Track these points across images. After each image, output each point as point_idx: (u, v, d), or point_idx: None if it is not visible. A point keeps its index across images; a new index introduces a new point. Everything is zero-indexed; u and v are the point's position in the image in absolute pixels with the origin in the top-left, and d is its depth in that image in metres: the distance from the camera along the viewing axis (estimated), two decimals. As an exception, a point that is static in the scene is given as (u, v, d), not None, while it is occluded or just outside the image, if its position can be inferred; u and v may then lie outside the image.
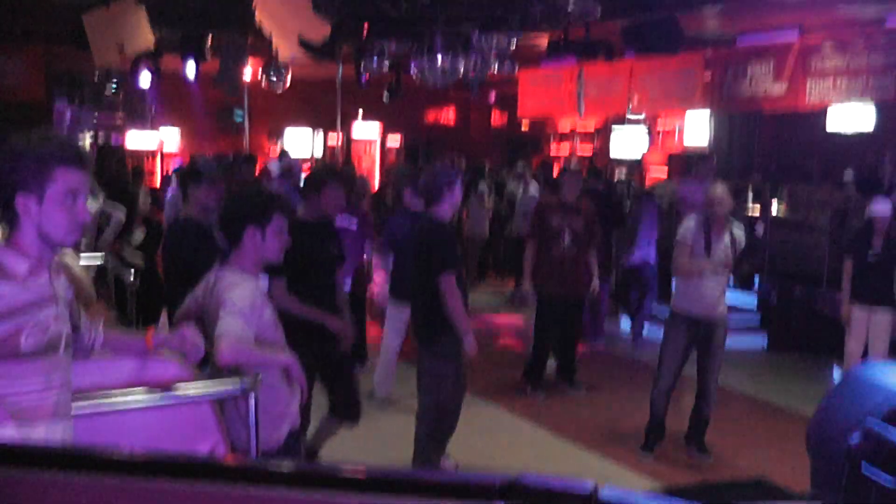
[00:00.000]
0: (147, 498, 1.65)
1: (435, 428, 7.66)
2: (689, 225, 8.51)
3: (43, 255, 3.32)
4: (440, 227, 7.49)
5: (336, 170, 9.62)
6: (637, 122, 21.73)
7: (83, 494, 1.67)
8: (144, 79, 16.45)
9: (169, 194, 12.69)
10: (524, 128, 26.06)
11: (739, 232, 8.49)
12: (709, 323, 8.36)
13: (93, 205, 7.52)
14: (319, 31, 9.14)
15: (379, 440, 8.50)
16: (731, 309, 13.74)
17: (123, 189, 12.07)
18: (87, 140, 20.93)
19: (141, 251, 10.65)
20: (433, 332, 7.49)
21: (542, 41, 15.18)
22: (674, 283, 8.81)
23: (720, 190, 8.41)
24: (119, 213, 10.53)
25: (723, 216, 8.34)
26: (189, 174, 7.25)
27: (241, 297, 4.60)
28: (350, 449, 8.20)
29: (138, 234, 10.75)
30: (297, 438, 5.12)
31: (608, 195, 13.55)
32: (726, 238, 8.33)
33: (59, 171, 3.25)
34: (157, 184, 21.37)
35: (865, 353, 10.11)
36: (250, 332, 4.54)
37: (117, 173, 14.25)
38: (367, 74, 16.26)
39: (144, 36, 10.68)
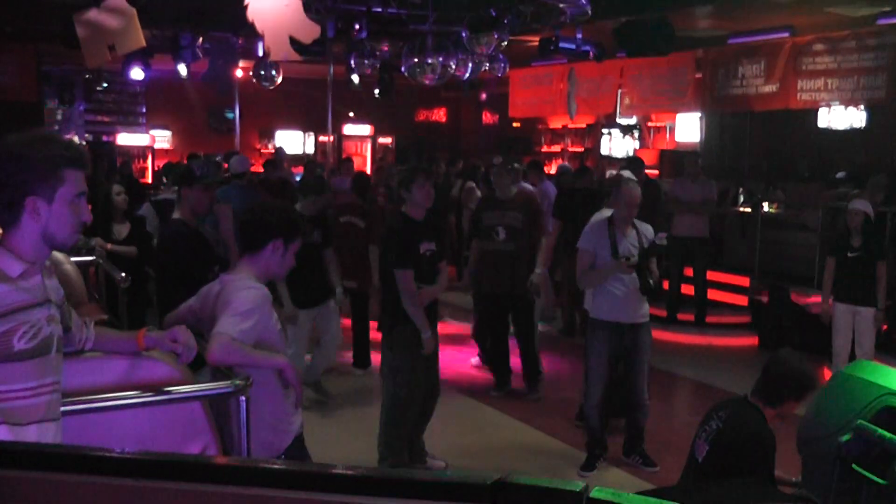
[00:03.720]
0: (137, 498, 1.65)
1: (389, 419, 7.78)
2: (588, 228, 8.27)
3: (38, 256, 3.32)
4: (399, 222, 7.70)
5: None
6: (628, 122, 21.80)
7: (74, 495, 1.67)
8: (135, 78, 16.41)
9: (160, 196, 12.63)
10: (515, 126, 26.04)
11: (646, 227, 8.20)
12: (633, 328, 8.11)
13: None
14: (311, 31, 9.12)
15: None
16: (723, 308, 13.87)
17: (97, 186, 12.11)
18: (83, 141, 20.92)
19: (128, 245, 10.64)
20: (388, 324, 7.71)
21: (534, 41, 15.18)
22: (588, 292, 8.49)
23: (636, 189, 8.13)
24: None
25: (632, 217, 8.09)
26: (184, 175, 7.20)
27: (248, 300, 4.61)
28: (342, 451, 8.23)
29: (120, 229, 10.71)
30: (301, 445, 5.12)
31: (592, 193, 13.51)
32: (632, 235, 8.04)
33: (68, 172, 3.27)
34: (150, 182, 21.36)
35: (852, 351, 10.16)
36: (249, 336, 4.54)
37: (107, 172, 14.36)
38: (359, 74, 16.25)
39: (135, 36, 10.64)
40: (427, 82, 13.25)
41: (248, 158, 16.28)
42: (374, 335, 11.15)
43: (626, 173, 10.83)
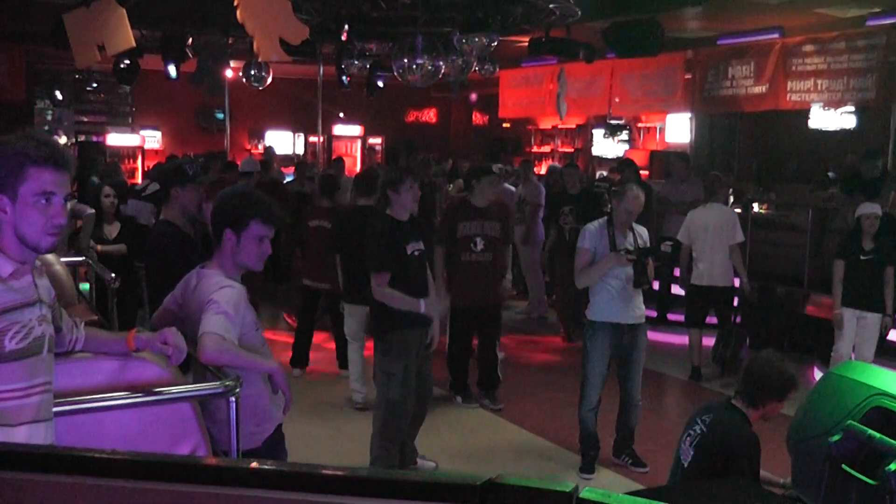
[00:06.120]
0: (128, 499, 1.65)
1: (384, 424, 7.74)
2: (589, 229, 8.18)
3: (25, 256, 3.30)
4: (383, 224, 7.65)
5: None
6: (616, 122, 21.83)
7: (65, 495, 1.67)
8: (125, 79, 16.39)
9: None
10: (505, 126, 26.05)
11: (642, 229, 8.22)
12: (631, 328, 8.12)
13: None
14: (300, 32, 9.11)
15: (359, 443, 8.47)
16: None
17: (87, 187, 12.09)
18: (62, 138, 20.84)
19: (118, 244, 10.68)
20: (379, 330, 7.68)
21: (523, 41, 15.19)
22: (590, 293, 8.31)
23: (641, 195, 8.13)
24: (90, 211, 10.51)
25: (631, 221, 8.08)
26: (175, 175, 7.11)
27: (227, 298, 4.58)
28: (331, 452, 8.22)
29: (110, 230, 10.73)
30: (280, 436, 5.11)
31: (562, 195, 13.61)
32: (630, 237, 8.05)
33: (32, 170, 3.20)
34: (140, 182, 21.33)
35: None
36: (234, 333, 4.53)
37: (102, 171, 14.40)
38: (349, 76, 16.23)
39: (125, 36, 10.63)
40: (416, 83, 13.23)
41: (257, 160, 16.36)
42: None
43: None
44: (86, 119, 23.43)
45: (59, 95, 22.29)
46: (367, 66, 15.79)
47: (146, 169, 22.33)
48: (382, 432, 7.74)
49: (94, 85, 23.35)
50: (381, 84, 17.34)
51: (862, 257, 9.89)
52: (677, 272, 13.63)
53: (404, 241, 7.47)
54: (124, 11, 10.48)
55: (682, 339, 12.60)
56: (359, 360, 10.01)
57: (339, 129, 26.97)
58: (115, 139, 23.48)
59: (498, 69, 16.10)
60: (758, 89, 15.46)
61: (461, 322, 10.28)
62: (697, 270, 11.35)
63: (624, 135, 22.28)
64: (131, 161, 23.41)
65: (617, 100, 18.54)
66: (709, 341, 11.64)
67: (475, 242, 9.89)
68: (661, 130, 21.56)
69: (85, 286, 8.54)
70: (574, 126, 24.05)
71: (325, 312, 11.25)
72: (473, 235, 9.89)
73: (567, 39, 14.22)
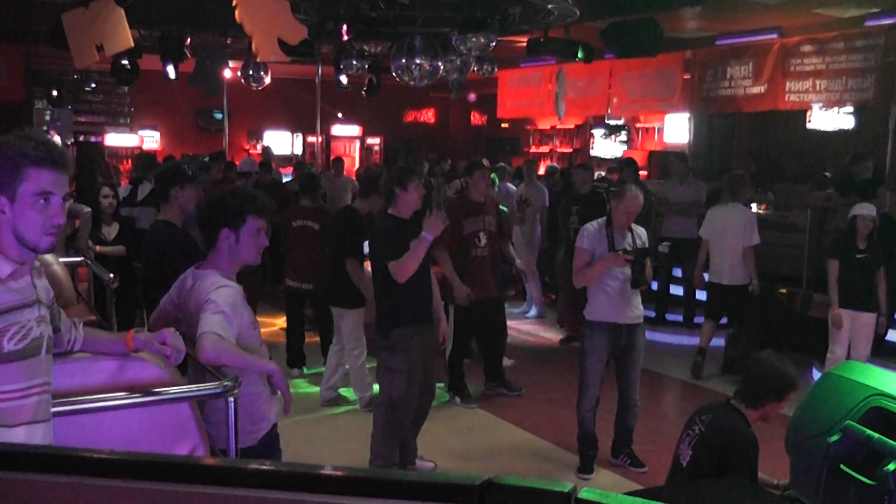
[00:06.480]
0: (126, 499, 1.65)
1: (386, 421, 7.74)
2: (588, 229, 8.15)
3: (24, 256, 3.28)
4: (386, 223, 7.65)
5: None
6: (616, 122, 21.84)
7: (63, 496, 1.67)
8: (124, 79, 16.36)
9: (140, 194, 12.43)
10: (504, 127, 26.04)
11: (641, 230, 8.21)
12: (629, 328, 8.09)
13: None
14: (299, 32, 9.12)
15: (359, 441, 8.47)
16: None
17: (85, 187, 12.06)
18: (56, 138, 20.81)
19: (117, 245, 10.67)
20: (383, 325, 7.65)
21: (522, 41, 15.20)
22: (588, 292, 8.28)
23: (640, 196, 8.09)
24: (87, 210, 10.49)
25: (629, 222, 8.05)
26: (174, 175, 7.08)
27: (224, 298, 4.58)
28: (331, 452, 8.21)
29: (109, 231, 10.72)
30: (275, 439, 5.10)
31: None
32: (629, 237, 8.02)
33: (31, 170, 3.19)
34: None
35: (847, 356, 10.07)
36: (232, 333, 4.53)
37: (94, 171, 14.40)
38: (346, 75, 16.23)
39: (123, 36, 10.61)
40: (415, 83, 13.23)
41: (256, 161, 16.40)
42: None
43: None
44: (84, 119, 23.46)
45: (57, 95, 22.28)
46: (366, 67, 15.80)
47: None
48: (384, 429, 7.75)
49: (93, 85, 23.37)
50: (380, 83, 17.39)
51: (857, 256, 9.86)
52: (676, 272, 13.67)
53: (407, 239, 7.47)
54: (123, 12, 10.47)
55: (680, 340, 12.63)
56: (333, 360, 10.04)
57: (337, 130, 26.99)
58: (113, 139, 23.52)
59: (496, 69, 16.11)
60: (756, 89, 15.48)
61: (461, 322, 10.31)
62: (715, 268, 11.45)
63: (622, 135, 22.33)
64: (129, 161, 23.42)
65: (615, 100, 18.56)
66: (716, 341, 11.66)
67: (479, 238, 10.04)
68: (660, 131, 21.57)
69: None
70: (573, 126, 24.03)
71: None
72: (477, 231, 10.05)
73: (565, 39, 14.22)
